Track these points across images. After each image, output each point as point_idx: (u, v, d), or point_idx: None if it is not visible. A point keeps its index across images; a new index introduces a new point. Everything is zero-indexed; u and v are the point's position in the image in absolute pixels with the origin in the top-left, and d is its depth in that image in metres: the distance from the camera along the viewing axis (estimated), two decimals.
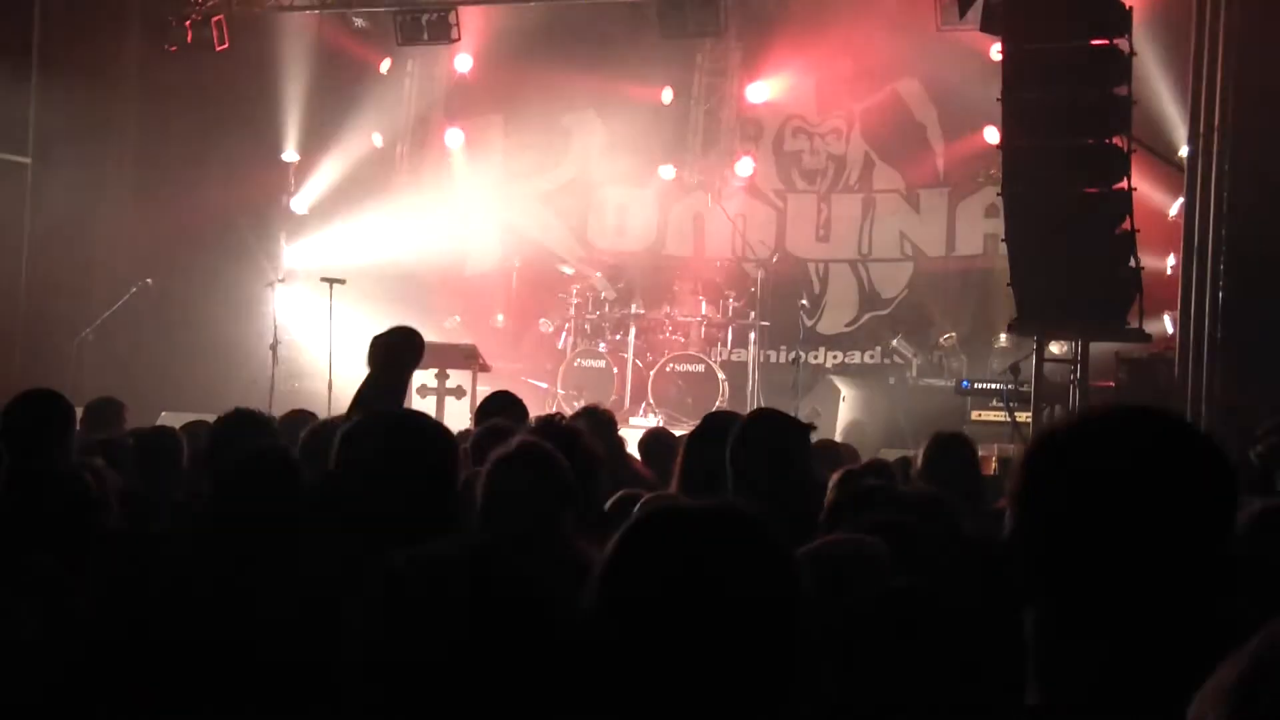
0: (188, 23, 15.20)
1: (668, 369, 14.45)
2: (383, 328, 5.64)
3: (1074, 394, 10.60)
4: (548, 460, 3.81)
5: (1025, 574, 1.77)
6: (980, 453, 6.91)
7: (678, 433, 6.79)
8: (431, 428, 3.59)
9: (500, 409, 6.06)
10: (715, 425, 4.99)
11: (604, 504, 4.43)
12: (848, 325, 16.21)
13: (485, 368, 13.35)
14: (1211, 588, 1.72)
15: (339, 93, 16.57)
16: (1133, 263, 10.04)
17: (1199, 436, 1.79)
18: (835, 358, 15.91)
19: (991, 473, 8.95)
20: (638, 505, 4.30)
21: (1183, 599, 1.71)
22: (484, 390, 13.16)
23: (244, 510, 3.61)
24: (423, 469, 3.34)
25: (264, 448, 4.01)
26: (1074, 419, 1.84)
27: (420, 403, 13.01)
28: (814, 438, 8.94)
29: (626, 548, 1.88)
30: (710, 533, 1.87)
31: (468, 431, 6.26)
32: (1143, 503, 1.71)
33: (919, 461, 5.77)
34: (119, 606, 3.31)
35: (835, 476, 4.74)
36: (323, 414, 8.37)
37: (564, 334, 15.37)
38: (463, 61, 16.88)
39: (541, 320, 16.14)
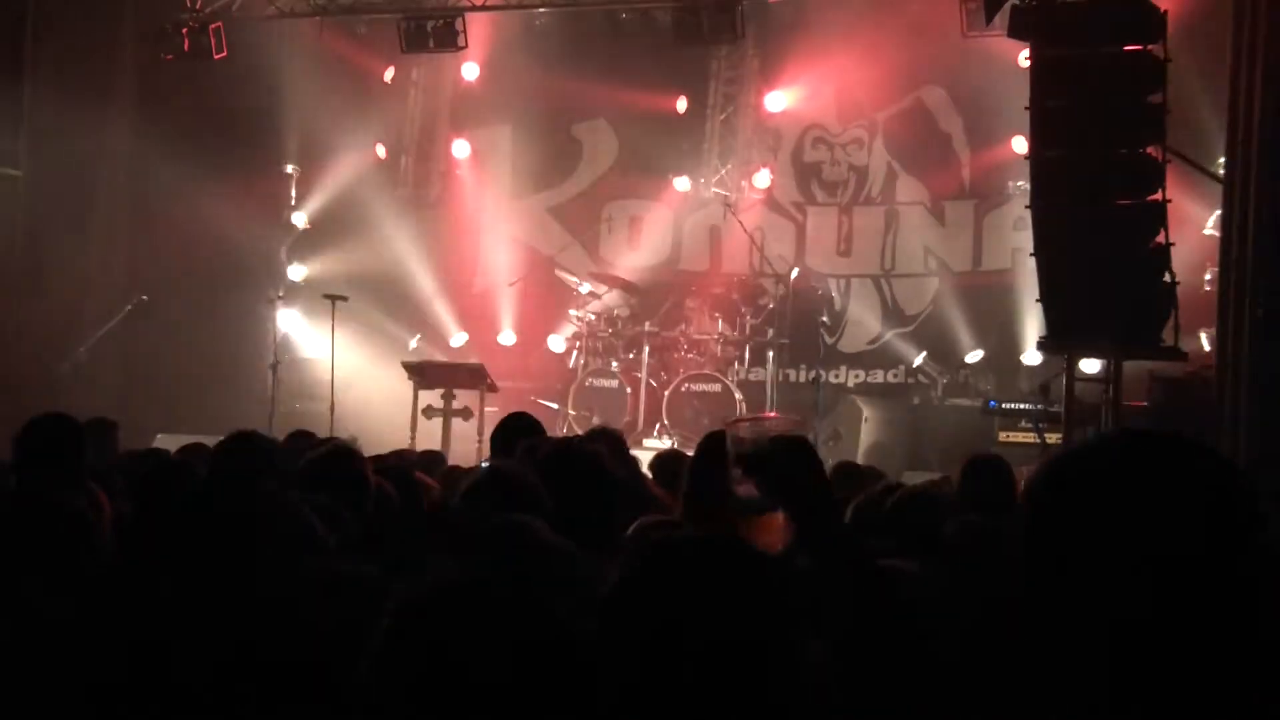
0: (184, 30, 15.26)
1: (683, 389, 14.43)
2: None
3: (1106, 414, 10.56)
4: (521, 487, 3.79)
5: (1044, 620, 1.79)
6: None
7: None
8: None
9: (518, 432, 6.03)
10: (714, 445, 4.99)
11: (622, 529, 4.42)
12: (870, 343, 16.19)
13: (493, 388, 13.36)
14: (1234, 606, 1.73)
15: (341, 102, 16.60)
16: (1167, 278, 10.00)
17: (1206, 454, 1.81)
18: (857, 377, 15.90)
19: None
20: (632, 530, 4.32)
21: (1207, 624, 1.72)
22: (492, 411, 13.25)
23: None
24: None
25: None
26: (1075, 450, 1.87)
27: (426, 424, 13.03)
28: (836, 459, 8.94)
29: (626, 583, 1.97)
30: (705, 568, 1.95)
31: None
32: (1155, 530, 1.73)
33: (954, 484, 5.76)
34: (112, 640, 3.31)
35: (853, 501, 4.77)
36: (324, 434, 8.38)
37: (575, 352, 15.38)
38: (469, 70, 16.92)
39: (552, 338, 16.16)
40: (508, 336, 16.71)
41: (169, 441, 9.43)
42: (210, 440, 6.01)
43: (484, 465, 4.32)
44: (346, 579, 3.11)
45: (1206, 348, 11.65)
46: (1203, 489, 1.77)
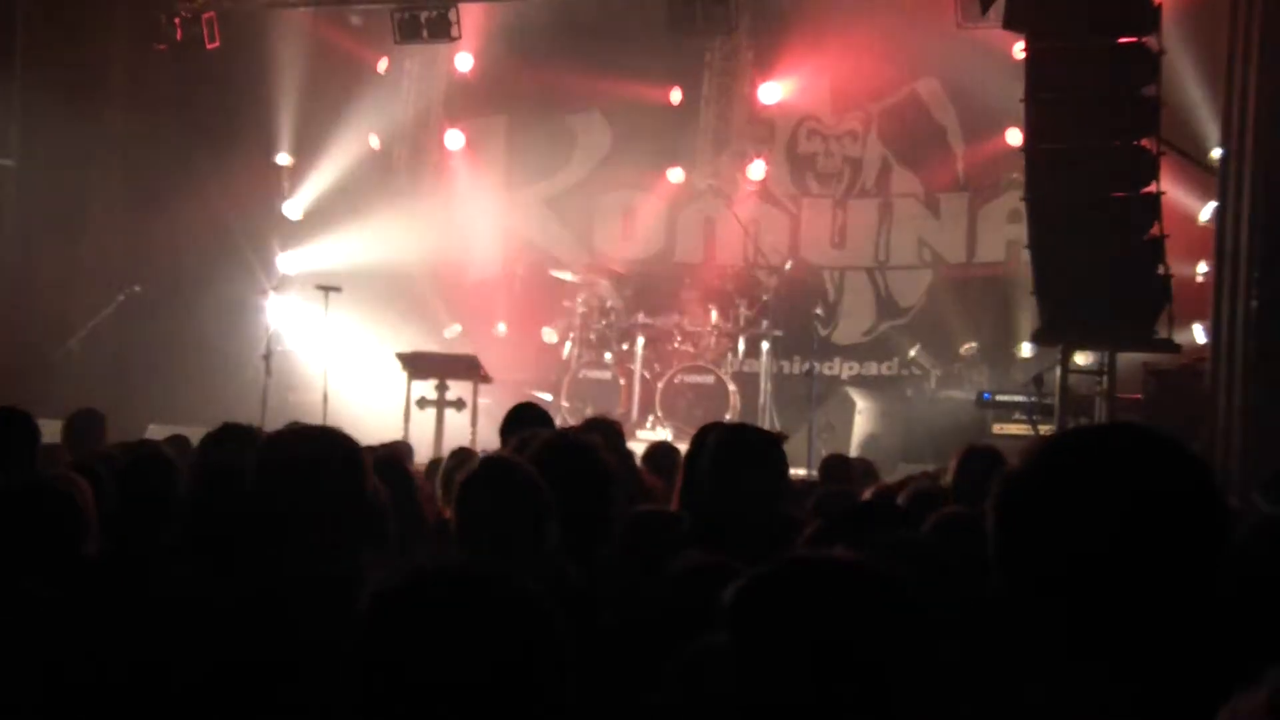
0: (177, 20, 15.21)
1: (676, 380, 14.42)
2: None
3: (1101, 406, 10.57)
4: (519, 477, 3.80)
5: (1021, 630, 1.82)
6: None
7: (684, 448, 6.84)
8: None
9: (529, 421, 6.04)
10: (706, 439, 5.00)
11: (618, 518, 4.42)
12: (864, 335, 16.19)
13: (487, 379, 13.34)
14: (1206, 607, 1.75)
15: (334, 93, 16.57)
16: (1161, 270, 10.01)
17: (1176, 451, 1.83)
18: (851, 369, 15.89)
19: None
20: (629, 518, 4.31)
21: (1182, 625, 1.74)
22: (485, 403, 13.24)
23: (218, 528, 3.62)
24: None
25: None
26: (1035, 460, 1.86)
27: (419, 415, 13.01)
28: (828, 450, 8.93)
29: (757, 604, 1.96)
30: (850, 594, 1.95)
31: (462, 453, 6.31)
32: (1128, 535, 1.74)
33: (948, 476, 5.75)
34: (107, 635, 3.31)
35: (869, 491, 4.80)
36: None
37: (568, 344, 15.34)
38: (463, 60, 16.89)
39: (545, 329, 16.12)
40: (501, 328, 16.68)
41: (160, 432, 9.42)
42: (197, 431, 5.97)
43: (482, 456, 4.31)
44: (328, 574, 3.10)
45: (1200, 340, 11.64)
46: (1174, 487, 1.78)
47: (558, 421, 13.40)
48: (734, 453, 4.45)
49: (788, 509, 4.62)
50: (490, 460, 3.93)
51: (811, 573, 2.00)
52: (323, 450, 3.50)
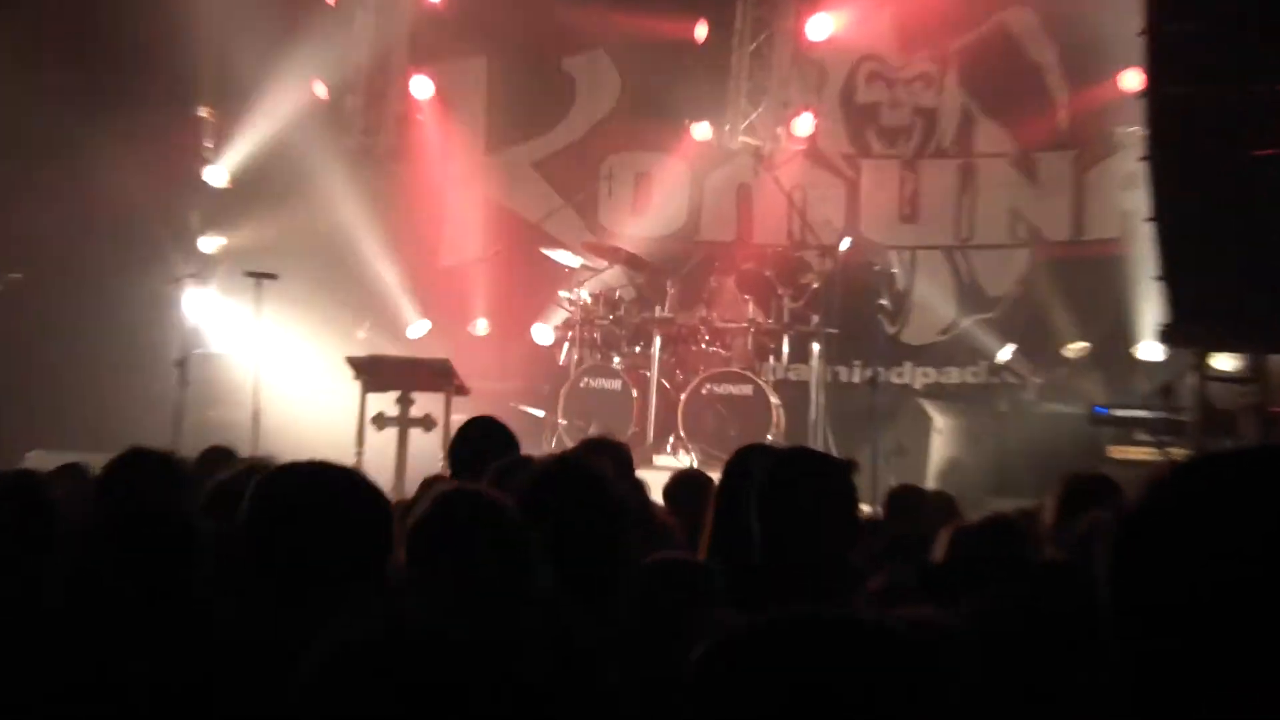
0: None
1: (704, 391, 14.38)
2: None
3: (1249, 423, 10.49)
4: (492, 512, 3.75)
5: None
6: None
7: (716, 475, 6.78)
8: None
9: (483, 445, 5.99)
10: (747, 466, 4.93)
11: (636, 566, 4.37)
12: (942, 333, 16.20)
13: (463, 390, 13.29)
14: None
15: (269, 29, 16.55)
16: None
17: None
18: (926, 376, 15.91)
19: None
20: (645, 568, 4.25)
21: None
22: (460, 420, 13.19)
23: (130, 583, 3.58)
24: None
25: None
26: (1160, 492, 1.80)
27: (376, 436, 12.97)
28: (896, 480, 8.88)
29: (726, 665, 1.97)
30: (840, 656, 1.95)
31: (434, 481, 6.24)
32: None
33: (1049, 515, 5.68)
34: None
35: (945, 535, 4.72)
36: (246, 450, 8.31)
37: (566, 345, 15.32)
38: None
39: (536, 327, 16.12)
40: (481, 325, 16.69)
41: (46, 460, 9.36)
42: (95, 459, 5.93)
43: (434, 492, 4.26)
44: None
45: None
46: None
47: (553, 444, 13.46)
48: (788, 486, 4.38)
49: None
50: (447, 496, 3.84)
51: (792, 637, 1.98)
52: (349, 495, 3.52)
